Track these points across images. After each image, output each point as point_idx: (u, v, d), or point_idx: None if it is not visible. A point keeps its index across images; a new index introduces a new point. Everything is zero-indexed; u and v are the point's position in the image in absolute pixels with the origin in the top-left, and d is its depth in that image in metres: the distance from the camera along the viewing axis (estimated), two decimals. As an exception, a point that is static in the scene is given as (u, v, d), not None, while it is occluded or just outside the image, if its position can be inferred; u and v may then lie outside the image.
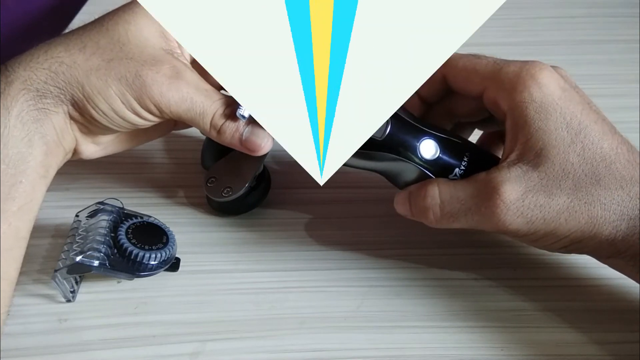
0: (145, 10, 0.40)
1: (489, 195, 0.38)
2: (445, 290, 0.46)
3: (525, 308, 0.44)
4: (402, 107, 0.41)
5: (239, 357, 0.43)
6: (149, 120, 0.42)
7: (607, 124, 0.39)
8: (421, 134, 0.42)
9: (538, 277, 0.46)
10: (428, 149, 0.42)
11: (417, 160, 0.42)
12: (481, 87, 0.41)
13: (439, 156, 0.42)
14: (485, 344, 0.43)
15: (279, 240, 0.50)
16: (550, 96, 0.38)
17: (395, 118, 0.41)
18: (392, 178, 0.44)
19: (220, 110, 0.41)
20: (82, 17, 0.77)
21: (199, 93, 0.41)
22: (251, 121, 0.42)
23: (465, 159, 0.42)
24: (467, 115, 0.46)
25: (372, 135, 0.40)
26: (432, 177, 0.42)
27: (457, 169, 0.42)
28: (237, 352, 0.43)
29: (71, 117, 0.41)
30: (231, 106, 0.42)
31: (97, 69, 0.39)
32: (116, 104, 0.40)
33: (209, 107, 0.41)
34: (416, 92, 0.41)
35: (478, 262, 0.47)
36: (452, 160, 0.42)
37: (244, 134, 0.42)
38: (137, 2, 0.40)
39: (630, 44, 0.69)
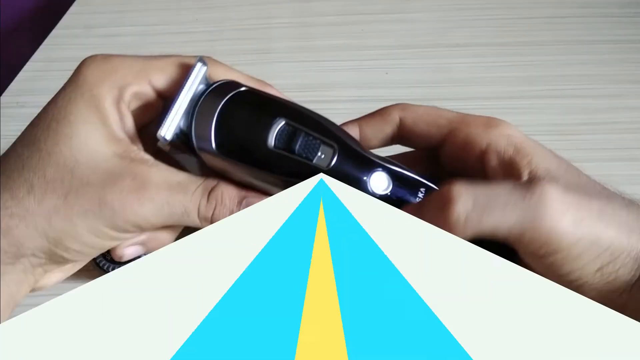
0: (82, 114, 0.35)
1: (531, 187, 0.33)
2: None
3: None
4: (351, 137, 0.38)
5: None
6: (131, 236, 0.38)
7: None
8: (372, 166, 0.38)
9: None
10: (379, 182, 0.37)
11: (368, 192, 0.37)
12: (446, 130, 0.39)
13: (391, 191, 0.38)
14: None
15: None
16: (524, 134, 0.38)
17: (342, 147, 0.37)
18: None
19: (204, 200, 0.37)
20: (68, 18, 0.76)
21: (173, 193, 0.36)
22: (243, 198, 0.38)
23: (421, 195, 0.38)
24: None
25: (316, 164, 0.36)
26: None
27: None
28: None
29: (33, 265, 0.36)
30: (213, 188, 0.37)
31: (55, 211, 0.34)
32: (90, 239, 0.36)
33: (189, 204, 0.36)
34: (361, 132, 0.41)
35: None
36: (406, 197, 0.38)
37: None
38: (68, 105, 0.36)
39: (622, 44, 0.69)
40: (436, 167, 0.42)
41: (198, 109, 0.36)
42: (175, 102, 0.36)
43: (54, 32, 0.74)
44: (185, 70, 0.37)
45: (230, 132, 0.36)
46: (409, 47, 0.69)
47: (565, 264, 0.35)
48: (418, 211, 0.36)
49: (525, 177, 0.36)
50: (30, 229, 0.34)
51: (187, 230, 0.43)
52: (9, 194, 0.35)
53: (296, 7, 0.76)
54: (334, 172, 0.36)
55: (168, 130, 0.36)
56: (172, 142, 0.36)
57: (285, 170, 0.36)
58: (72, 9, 0.78)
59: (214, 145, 0.36)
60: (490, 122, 0.38)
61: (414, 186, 0.38)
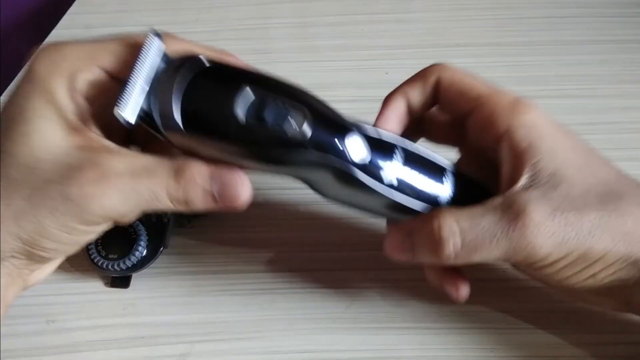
0: (37, 110, 0.34)
1: (515, 218, 0.34)
2: (435, 291, 0.45)
3: (516, 309, 0.44)
4: (323, 103, 0.36)
5: (228, 359, 0.42)
6: (105, 227, 0.37)
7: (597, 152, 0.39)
8: (347, 130, 0.36)
9: (529, 277, 0.46)
10: (356, 148, 0.36)
11: (345, 161, 0.35)
12: (473, 104, 0.39)
13: (371, 158, 0.36)
14: (475, 345, 0.43)
15: (269, 242, 0.50)
16: (552, 123, 0.38)
17: (315, 114, 0.35)
18: (314, 184, 0.38)
19: (173, 182, 0.35)
20: (68, 18, 0.76)
21: (138, 179, 0.34)
22: (215, 174, 0.36)
23: (398, 157, 0.37)
24: (436, 137, 0.44)
25: (292, 135, 0.34)
26: (360, 180, 0.36)
27: (388, 172, 0.37)
28: (225, 353, 0.43)
29: (18, 267, 0.36)
30: (181, 167, 0.35)
31: (23, 213, 0.33)
32: (62, 236, 0.35)
33: (157, 187, 0.34)
34: (405, 99, 0.41)
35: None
36: (382, 159, 0.37)
37: (215, 192, 0.36)
38: (23, 102, 0.35)
39: (621, 44, 0.69)
40: (462, 136, 0.41)
41: (160, 87, 0.35)
42: (130, 79, 0.34)
43: (54, 32, 0.74)
44: (138, 49, 0.35)
45: (197, 108, 0.34)
46: (409, 47, 0.69)
47: (552, 274, 0.37)
48: (410, 239, 0.38)
49: (523, 181, 0.36)
50: (4, 233, 0.34)
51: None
52: None
53: (296, 7, 0.76)
54: (311, 141, 0.35)
55: (128, 111, 0.33)
56: (135, 124, 0.34)
57: (258, 141, 0.34)
58: (72, 9, 0.78)
59: (180, 123, 0.34)
60: (516, 106, 0.38)
61: (390, 149, 0.37)
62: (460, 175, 0.39)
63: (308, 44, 0.70)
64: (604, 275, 0.36)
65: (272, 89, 0.35)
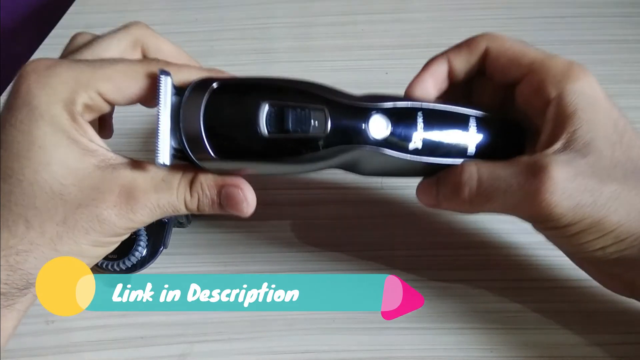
0: (50, 138, 0.34)
1: (534, 173, 0.35)
2: (435, 291, 0.46)
3: (515, 310, 0.44)
4: (338, 91, 0.38)
5: (228, 359, 0.42)
6: (129, 234, 0.40)
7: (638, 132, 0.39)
8: (366, 113, 0.37)
9: (528, 278, 0.46)
10: (377, 127, 0.37)
11: (371, 142, 0.37)
12: (526, 70, 0.39)
13: (391, 131, 0.37)
14: (475, 345, 0.43)
15: (268, 241, 0.50)
16: (600, 94, 0.38)
17: (332, 107, 0.37)
18: (351, 167, 0.40)
19: (188, 195, 0.37)
20: (68, 18, 0.76)
21: (160, 195, 0.37)
22: (220, 184, 0.38)
23: (420, 120, 0.38)
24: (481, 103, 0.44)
25: (314, 134, 0.36)
26: (389, 154, 0.37)
27: (414, 134, 0.38)
28: (225, 353, 0.43)
29: None
30: (193, 180, 0.37)
31: (59, 237, 0.35)
32: (95, 251, 0.37)
33: (176, 202, 0.37)
34: (449, 66, 0.41)
35: (467, 264, 0.47)
36: (406, 131, 0.38)
37: (222, 200, 0.38)
38: (31, 130, 0.34)
39: (621, 44, 0.69)
40: (511, 103, 0.41)
41: (183, 122, 0.36)
42: (159, 127, 0.35)
43: (54, 32, 0.74)
44: (133, 76, 0.36)
45: (223, 133, 0.36)
46: (409, 47, 0.69)
47: (562, 238, 0.37)
48: (437, 185, 0.40)
49: (556, 146, 0.36)
50: (40, 260, 0.35)
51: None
52: (7, 232, 0.34)
53: (296, 7, 0.76)
54: (332, 135, 0.36)
55: (165, 156, 0.35)
56: (173, 163, 0.36)
57: (287, 151, 0.36)
58: (72, 9, 0.78)
59: (212, 153, 0.36)
60: (568, 72, 0.38)
61: (410, 116, 0.38)
62: (489, 120, 0.40)
63: (308, 44, 0.70)
64: (614, 250, 0.36)
65: (288, 98, 0.36)
